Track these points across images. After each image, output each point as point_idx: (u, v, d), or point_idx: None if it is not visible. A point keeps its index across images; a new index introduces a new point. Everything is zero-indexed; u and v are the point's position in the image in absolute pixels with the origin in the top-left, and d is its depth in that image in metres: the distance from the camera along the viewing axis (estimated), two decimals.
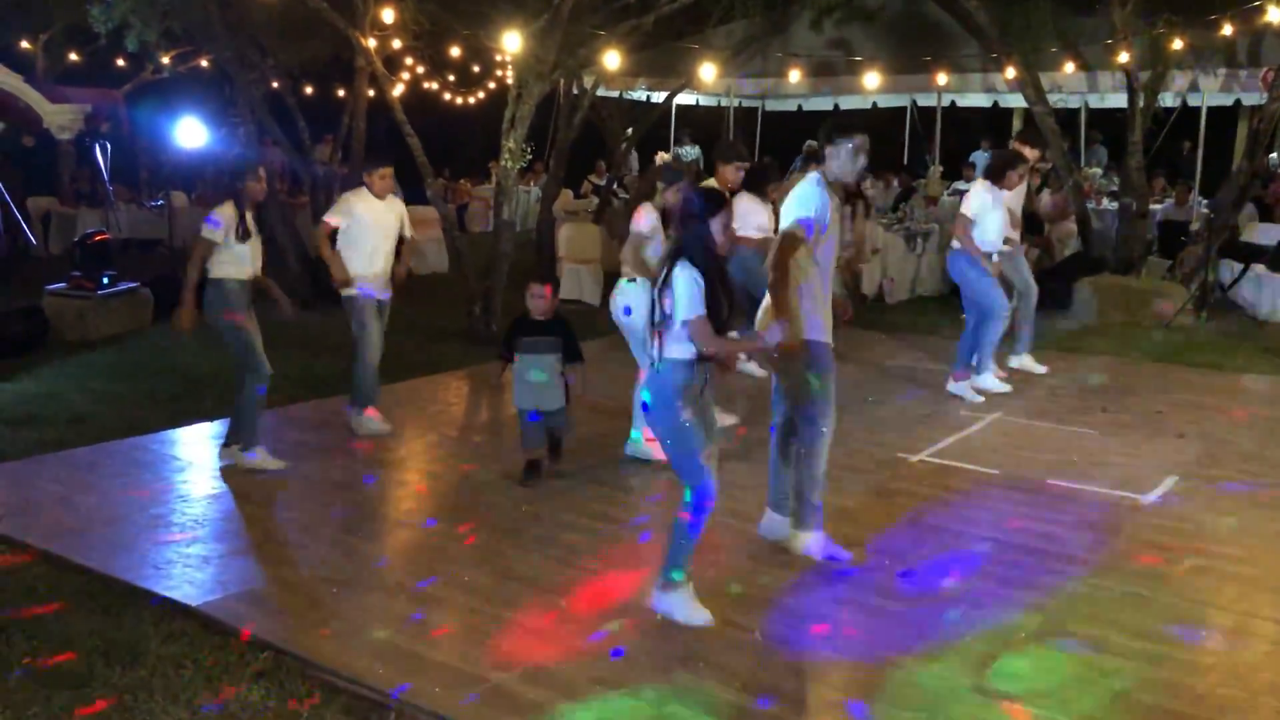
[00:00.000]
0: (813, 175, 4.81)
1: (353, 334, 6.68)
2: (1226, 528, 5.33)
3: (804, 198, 4.71)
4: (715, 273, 4.08)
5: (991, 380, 7.89)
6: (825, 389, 4.75)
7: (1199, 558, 4.95)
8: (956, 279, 7.91)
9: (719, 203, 4.14)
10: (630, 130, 15.88)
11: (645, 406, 4.25)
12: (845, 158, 4.75)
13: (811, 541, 4.86)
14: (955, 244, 7.78)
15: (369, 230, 6.54)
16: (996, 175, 7.67)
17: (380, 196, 6.60)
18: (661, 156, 16.92)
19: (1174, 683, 3.83)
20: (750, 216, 7.72)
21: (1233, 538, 5.19)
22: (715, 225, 4.08)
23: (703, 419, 4.17)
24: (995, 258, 7.70)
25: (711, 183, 6.95)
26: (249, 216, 6.01)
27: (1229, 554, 5.00)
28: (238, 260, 5.95)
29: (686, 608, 4.21)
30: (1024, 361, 8.49)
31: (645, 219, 5.95)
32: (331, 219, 6.59)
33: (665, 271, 4.10)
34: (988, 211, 7.62)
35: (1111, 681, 3.82)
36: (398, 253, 6.79)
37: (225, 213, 5.91)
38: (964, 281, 7.80)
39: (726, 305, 4.12)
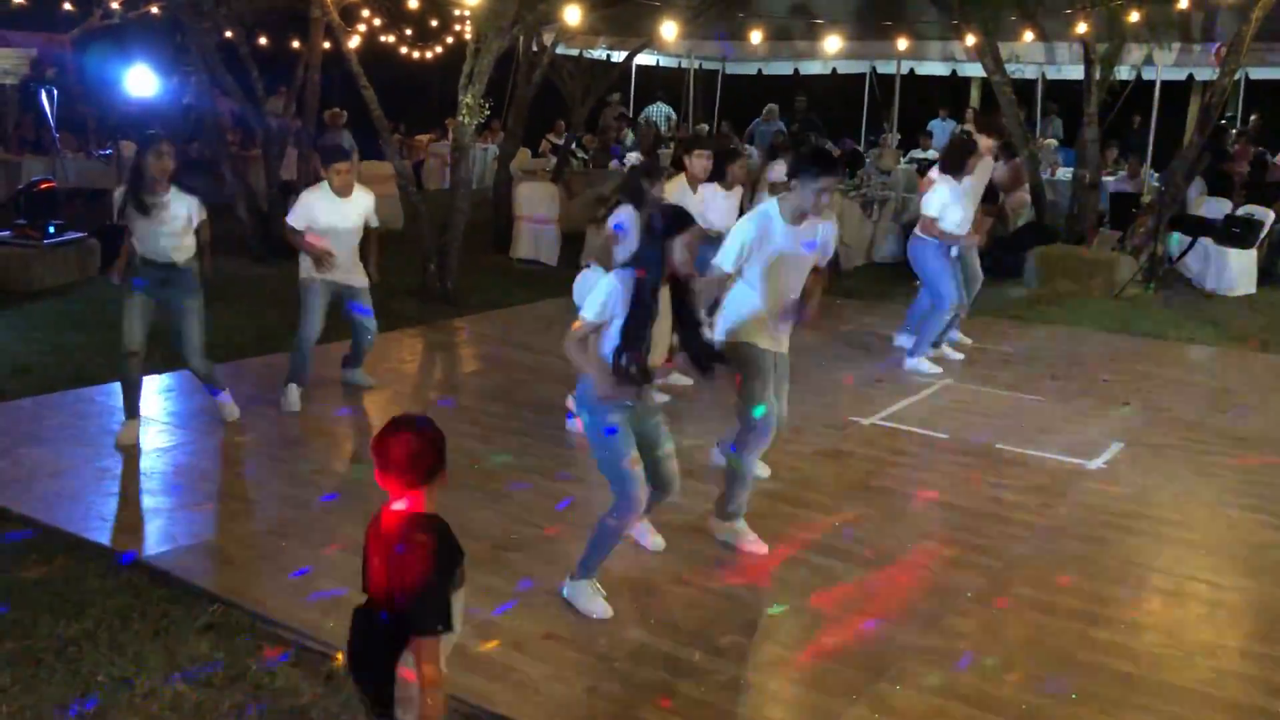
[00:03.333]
0: (763, 206, 4.65)
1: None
2: (1167, 494, 5.44)
3: (733, 230, 4.61)
4: (672, 292, 3.84)
5: (925, 364, 7.69)
6: (749, 394, 4.55)
7: (1140, 522, 5.06)
8: (915, 264, 7.77)
9: (683, 222, 3.80)
10: (617, 95, 15.91)
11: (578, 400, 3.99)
12: (808, 193, 4.47)
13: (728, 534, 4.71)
14: (919, 231, 7.64)
15: (327, 233, 6.23)
16: (955, 168, 7.48)
17: (342, 193, 6.28)
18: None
19: (1113, 642, 3.93)
20: (710, 205, 7.39)
21: (1173, 503, 5.31)
22: (677, 244, 3.77)
23: (631, 424, 3.89)
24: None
25: (678, 180, 6.95)
26: (151, 197, 5.60)
27: (1169, 519, 5.12)
28: (138, 238, 5.70)
29: (585, 599, 4.04)
30: (942, 350, 8.13)
31: (623, 218, 5.83)
32: (294, 222, 6.27)
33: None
34: (949, 206, 7.45)
35: (1054, 641, 3.91)
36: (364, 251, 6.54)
37: (119, 191, 5.75)
38: (922, 271, 7.68)
39: (681, 328, 3.90)
